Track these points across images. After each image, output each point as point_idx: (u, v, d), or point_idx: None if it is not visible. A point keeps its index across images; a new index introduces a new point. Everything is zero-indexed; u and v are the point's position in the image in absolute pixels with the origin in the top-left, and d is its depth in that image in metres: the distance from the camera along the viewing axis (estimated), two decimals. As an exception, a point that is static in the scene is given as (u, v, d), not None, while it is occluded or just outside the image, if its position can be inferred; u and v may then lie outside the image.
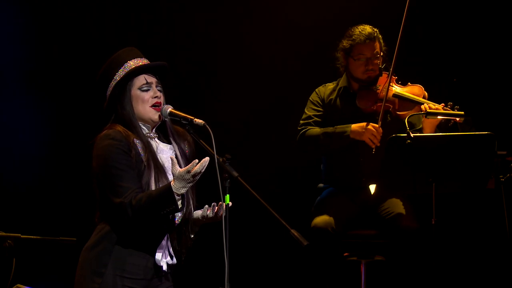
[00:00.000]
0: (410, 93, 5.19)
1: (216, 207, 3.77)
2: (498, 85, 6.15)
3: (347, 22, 5.45)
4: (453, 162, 4.63)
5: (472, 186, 4.76)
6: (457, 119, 4.94)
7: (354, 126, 5.13)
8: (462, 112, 4.93)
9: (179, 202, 3.59)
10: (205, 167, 3.52)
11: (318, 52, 6.30)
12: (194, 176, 3.53)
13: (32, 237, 5.03)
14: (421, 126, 5.20)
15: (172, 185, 3.55)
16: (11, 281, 4.94)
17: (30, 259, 5.82)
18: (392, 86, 5.20)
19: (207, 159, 3.51)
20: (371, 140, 5.07)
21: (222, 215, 3.72)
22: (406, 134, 4.53)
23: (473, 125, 4.90)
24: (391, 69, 5.12)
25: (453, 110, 5.01)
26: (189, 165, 3.52)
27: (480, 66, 6.17)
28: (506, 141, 5.13)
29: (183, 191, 3.56)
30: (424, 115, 4.92)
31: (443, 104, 5.06)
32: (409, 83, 5.26)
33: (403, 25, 5.03)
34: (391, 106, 5.17)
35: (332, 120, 5.30)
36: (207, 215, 3.80)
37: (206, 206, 3.82)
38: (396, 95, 5.18)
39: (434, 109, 5.01)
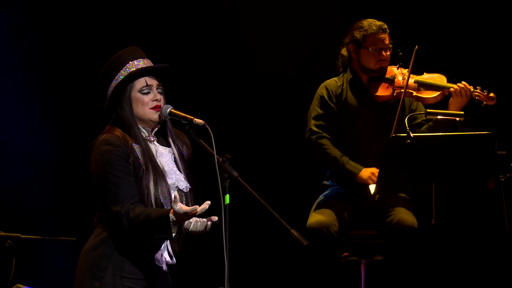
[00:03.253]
0: (431, 80, 5.23)
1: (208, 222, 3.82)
2: (498, 85, 6.14)
3: (348, 20, 5.46)
4: (453, 162, 4.63)
5: (472, 186, 4.76)
6: (457, 118, 4.95)
7: (363, 172, 5.16)
8: (462, 112, 4.93)
9: (175, 229, 3.60)
10: (203, 212, 3.54)
11: (317, 51, 6.30)
12: (191, 217, 3.56)
13: (32, 237, 5.03)
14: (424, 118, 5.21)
15: (170, 215, 3.55)
16: (11, 281, 4.94)
17: (30, 259, 5.82)
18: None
19: (207, 204, 3.52)
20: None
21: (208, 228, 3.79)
22: (406, 134, 4.53)
23: (473, 125, 4.90)
24: (413, 56, 5.15)
25: (483, 92, 5.09)
26: (189, 208, 3.52)
27: (480, 66, 6.17)
28: (506, 141, 5.13)
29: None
30: (424, 114, 4.92)
31: (471, 87, 5.12)
32: (425, 73, 5.30)
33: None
34: (413, 92, 5.19)
35: (347, 113, 5.30)
36: (201, 230, 3.83)
37: (195, 219, 3.83)
38: (416, 81, 5.21)
39: (464, 88, 5.07)
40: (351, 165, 5.19)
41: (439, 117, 5.04)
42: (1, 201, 6.14)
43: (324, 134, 5.26)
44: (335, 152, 5.22)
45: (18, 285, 4.91)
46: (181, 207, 3.51)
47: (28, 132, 6.27)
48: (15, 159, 6.24)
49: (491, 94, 5.11)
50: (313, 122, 5.29)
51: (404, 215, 5.09)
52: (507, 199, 4.90)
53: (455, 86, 5.12)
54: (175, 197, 3.52)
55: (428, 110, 4.94)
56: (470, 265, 6.17)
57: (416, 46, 5.13)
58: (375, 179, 5.04)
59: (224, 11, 6.51)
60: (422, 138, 4.61)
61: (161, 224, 3.57)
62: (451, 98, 5.13)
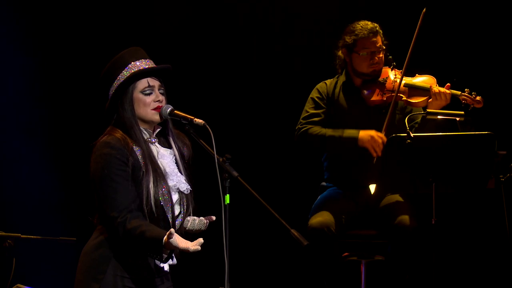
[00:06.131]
0: (421, 82, 5.21)
1: (206, 221, 3.82)
2: (498, 85, 6.15)
3: (347, 19, 5.46)
4: (453, 162, 4.63)
5: (472, 186, 4.76)
6: (457, 118, 4.94)
7: (362, 133, 5.15)
8: (462, 112, 4.93)
9: (167, 252, 3.62)
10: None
11: (317, 50, 6.31)
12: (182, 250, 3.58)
13: (32, 237, 5.03)
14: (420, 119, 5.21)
15: (164, 240, 3.55)
16: (11, 281, 4.94)
17: (30, 259, 5.82)
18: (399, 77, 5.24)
19: (199, 244, 3.52)
20: (373, 148, 5.08)
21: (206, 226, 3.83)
22: (406, 134, 4.53)
23: (473, 125, 4.90)
24: (406, 61, 5.14)
25: (471, 96, 5.06)
26: (182, 246, 3.52)
27: (479, 66, 6.17)
28: (506, 141, 5.13)
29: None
30: (424, 114, 4.92)
31: (448, 84, 5.10)
32: (417, 74, 5.28)
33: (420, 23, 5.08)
34: (403, 96, 5.18)
35: (338, 116, 5.30)
36: (199, 229, 3.84)
37: (192, 218, 3.83)
38: (407, 85, 5.20)
39: (442, 92, 5.05)
40: (348, 132, 5.19)
41: (439, 117, 5.03)
42: (1, 201, 6.14)
43: (312, 125, 5.27)
44: (327, 130, 5.22)
45: (18, 285, 4.92)
46: (175, 239, 3.52)
47: (29, 132, 6.27)
48: (15, 159, 6.24)
49: (478, 98, 5.08)
50: (302, 121, 5.32)
51: (405, 215, 5.09)
52: (507, 199, 4.90)
53: (435, 89, 5.10)
54: (170, 232, 3.52)
55: (428, 110, 4.93)
56: (470, 265, 6.17)
57: (424, 9, 5.08)
58: (377, 142, 5.05)
59: (224, 12, 6.51)
60: (422, 138, 4.61)
61: (153, 246, 3.59)
62: (430, 99, 5.13)
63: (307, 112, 5.35)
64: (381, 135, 5.08)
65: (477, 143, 4.61)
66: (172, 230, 3.53)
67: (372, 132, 5.11)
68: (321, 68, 5.85)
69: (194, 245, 3.53)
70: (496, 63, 6.19)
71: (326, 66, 5.61)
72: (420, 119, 5.18)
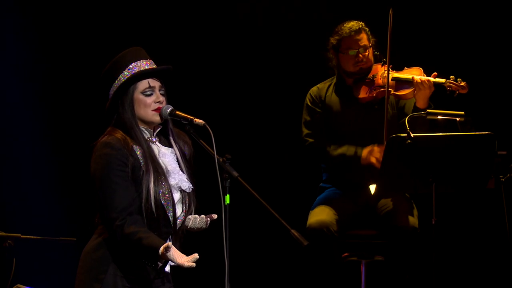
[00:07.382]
0: (406, 74, 5.22)
1: (207, 219, 3.84)
2: (498, 85, 6.15)
3: (348, 19, 5.47)
4: (453, 162, 4.63)
5: (472, 186, 4.77)
6: (457, 118, 4.94)
7: (364, 152, 5.18)
8: (462, 112, 4.93)
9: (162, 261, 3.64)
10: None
11: (317, 50, 6.30)
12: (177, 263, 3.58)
13: (32, 237, 5.03)
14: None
15: (160, 251, 3.55)
16: (11, 281, 4.94)
17: (30, 259, 5.82)
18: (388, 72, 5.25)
19: (194, 260, 3.53)
20: (378, 160, 5.10)
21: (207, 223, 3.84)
22: (406, 134, 4.54)
23: (473, 125, 4.90)
24: (387, 54, 5.15)
25: (456, 82, 5.06)
26: (178, 261, 3.53)
27: (479, 66, 6.18)
28: (506, 141, 5.13)
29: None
30: (424, 115, 4.92)
31: (435, 73, 5.09)
32: (405, 67, 5.28)
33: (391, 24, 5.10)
34: (392, 91, 5.19)
35: (333, 116, 5.32)
36: (200, 227, 3.85)
37: (193, 216, 3.83)
38: (394, 78, 5.20)
39: (424, 80, 5.05)
40: (351, 150, 5.22)
41: (439, 117, 5.03)
42: (1, 201, 6.14)
43: (317, 141, 5.32)
44: (331, 149, 5.26)
45: (18, 285, 4.92)
46: (172, 253, 3.54)
47: (29, 132, 6.27)
48: (15, 159, 6.24)
49: (462, 83, 5.09)
50: (304, 131, 5.39)
51: (405, 215, 5.09)
52: (507, 199, 4.90)
53: (416, 78, 5.10)
54: (168, 246, 3.53)
55: (428, 110, 4.93)
56: (470, 265, 6.18)
57: (391, 10, 5.09)
58: (377, 155, 5.08)
59: (224, 12, 6.51)
60: (422, 138, 4.62)
61: (149, 254, 3.58)
62: (415, 91, 5.12)
63: (305, 119, 5.40)
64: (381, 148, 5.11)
65: (477, 143, 4.62)
66: (169, 243, 3.54)
67: (370, 148, 5.15)
68: (321, 68, 5.85)
69: (188, 261, 3.53)
70: (496, 63, 6.19)
71: (325, 67, 5.61)
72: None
